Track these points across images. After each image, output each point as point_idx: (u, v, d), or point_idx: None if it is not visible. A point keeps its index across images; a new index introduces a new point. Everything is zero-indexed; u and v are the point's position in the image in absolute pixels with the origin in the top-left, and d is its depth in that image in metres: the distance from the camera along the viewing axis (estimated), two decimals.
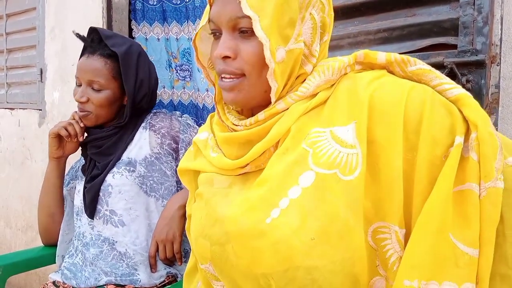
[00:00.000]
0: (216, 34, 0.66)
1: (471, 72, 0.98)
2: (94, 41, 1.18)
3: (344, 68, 0.64)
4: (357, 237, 0.56)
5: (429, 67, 0.62)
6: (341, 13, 1.17)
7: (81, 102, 1.15)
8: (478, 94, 0.96)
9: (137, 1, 1.65)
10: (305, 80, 0.66)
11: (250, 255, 0.58)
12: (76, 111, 1.21)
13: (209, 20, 0.66)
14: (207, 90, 1.57)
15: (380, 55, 0.65)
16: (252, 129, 0.66)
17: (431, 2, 1.04)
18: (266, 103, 0.66)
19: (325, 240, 0.55)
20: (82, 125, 1.20)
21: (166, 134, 1.21)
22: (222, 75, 0.65)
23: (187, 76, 1.63)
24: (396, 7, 1.09)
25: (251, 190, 0.63)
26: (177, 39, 1.63)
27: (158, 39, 1.65)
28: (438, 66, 0.98)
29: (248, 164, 0.67)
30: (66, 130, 1.18)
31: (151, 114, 1.27)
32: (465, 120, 0.57)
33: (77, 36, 1.19)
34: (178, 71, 1.65)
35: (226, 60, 0.64)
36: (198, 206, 0.73)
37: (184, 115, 1.32)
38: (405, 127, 0.56)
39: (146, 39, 1.66)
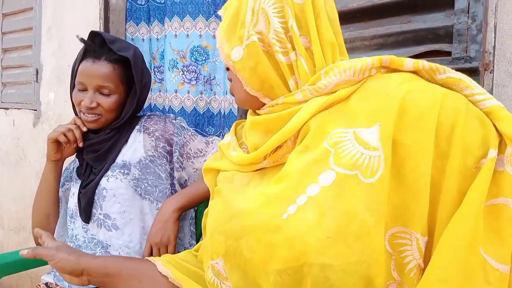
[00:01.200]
0: None
1: None
2: (97, 46, 1.17)
3: (368, 70, 0.64)
4: (374, 240, 0.55)
5: (460, 76, 0.60)
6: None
7: (91, 108, 1.14)
8: None
9: (127, 1, 1.64)
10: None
11: (264, 249, 0.58)
12: (77, 117, 1.20)
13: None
14: (176, 91, 1.57)
15: (408, 62, 0.63)
16: (271, 114, 0.69)
17: (426, 9, 1.05)
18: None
19: (341, 240, 0.55)
20: (85, 129, 1.18)
21: (160, 136, 1.21)
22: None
23: (163, 79, 1.63)
24: (391, 13, 1.10)
25: (269, 185, 0.64)
26: (157, 39, 1.62)
27: (143, 39, 1.64)
28: None
29: (265, 158, 0.69)
30: (65, 136, 1.17)
31: (145, 117, 1.27)
32: (499, 133, 0.56)
33: (81, 41, 1.17)
34: (156, 73, 1.64)
35: None
36: (215, 202, 0.74)
37: (178, 118, 1.32)
38: (437, 133, 0.55)
39: (132, 39, 1.66)
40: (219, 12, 0.78)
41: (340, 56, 0.70)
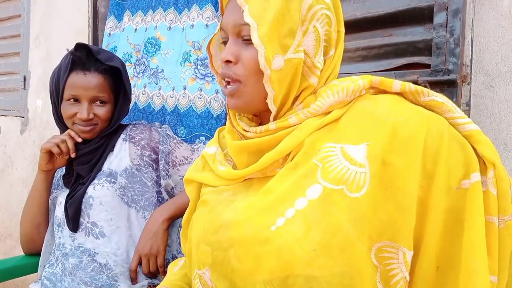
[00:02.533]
0: (225, 41, 0.71)
1: (443, 90, 1.03)
2: (83, 57, 1.17)
3: (359, 91, 0.66)
4: (357, 252, 0.57)
5: (442, 99, 0.64)
6: None
7: (89, 119, 1.16)
8: None
9: None
10: (314, 93, 0.68)
11: (252, 260, 0.60)
12: (70, 130, 1.20)
13: (221, 28, 0.71)
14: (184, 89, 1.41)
15: (396, 84, 0.66)
16: (263, 137, 0.68)
17: (406, 23, 1.09)
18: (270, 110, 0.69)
19: (326, 252, 0.57)
20: (80, 140, 1.19)
21: (146, 145, 1.23)
22: (225, 80, 0.70)
23: (142, 71, 1.52)
24: (373, 27, 1.14)
25: (256, 197, 0.65)
26: (135, 30, 1.55)
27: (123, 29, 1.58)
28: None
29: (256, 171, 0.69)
30: (59, 147, 1.18)
31: (131, 126, 1.27)
32: (478, 156, 0.60)
33: (71, 54, 1.17)
34: (136, 65, 1.54)
35: (228, 64, 0.68)
36: (201, 212, 0.74)
37: (163, 126, 1.33)
38: (423, 155, 0.58)
39: (109, 34, 1.61)
40: None
41: None
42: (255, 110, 0.72)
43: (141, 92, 1.48)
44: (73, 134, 1.19)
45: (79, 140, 1.19)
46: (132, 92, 1.44)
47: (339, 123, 0.65)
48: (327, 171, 0.60)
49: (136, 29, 1.54)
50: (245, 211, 0.63)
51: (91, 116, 1.16)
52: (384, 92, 0.68)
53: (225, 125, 0.80)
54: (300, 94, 0.69)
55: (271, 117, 0.69)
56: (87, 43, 1.58)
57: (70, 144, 1.18)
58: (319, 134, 0.65)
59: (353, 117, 0.65)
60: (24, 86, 2.27)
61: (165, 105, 1.43)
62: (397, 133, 0.60)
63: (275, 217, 0.60)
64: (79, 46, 1.17)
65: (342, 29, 0.70)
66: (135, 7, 1.56)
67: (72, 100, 1.16)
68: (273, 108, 0.67)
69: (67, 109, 1.17)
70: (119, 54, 1.55)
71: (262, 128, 0.68)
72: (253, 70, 0.66)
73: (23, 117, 2.28)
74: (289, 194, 0.61)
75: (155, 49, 1.47)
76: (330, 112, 0.66)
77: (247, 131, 0.70)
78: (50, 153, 1.20)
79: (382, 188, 0.59)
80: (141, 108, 1.48)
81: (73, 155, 1.20)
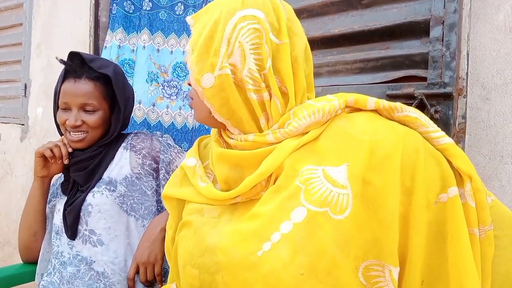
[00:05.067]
0: None
1: (439, 103, 1.04)
2: (77, 65, 1.19)
3: (334, 111, 0.67)
4: (345, 274, 0.58)
5: (415, 114, 0.66)
6: (321, 43, 1.24)
7: (77, 126, 1.16)
8: (446, 124, 1.02)
9: (118, 10, 1.63)
10: (284, 113, 0.69)
11: (240, 286, 0.60)
12: (62, 137, 1.22)
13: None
14: (153, 105, 1.54)
15: (370, 102, 0.67)
16: (243, 151, 0.70)
17: (403, 36, 1.11)
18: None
19: (314, 276, 0.57)
20: (70, 150, 1.20)
21: (147, 154, 1.23)
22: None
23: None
24: (371, 40, 1.15)
25: (242, 222, 0.65)
26: (144, 47, 1.60)
27: (119, 46, 1.62)
28: (409, 97, 1.05)
29: (238, 195, 0.70)
30: (52, 151, 1.19)
31: (132, 135, 1.28)
32: (453, 169, 0.62)
33: (61, 62, 1.20)
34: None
35: (189, 85, 0.77)
36: (186, 234, 0.74)
37: (165, 135, 1.34)
38: (401, 172, 0.60)
39: (105, 47, 1.63)
40: (187, 19, 0.75)
41: (307, 92, 0.73)
42: (213, 124, 0.75)
43: (177, 113, 1.57)
44: (66, 141, 1.21)
45: (69, 149, 1.20)
46: (167, 113, 1.55)
47: (318, 144, 0.66)
48: (310, 193, 0.61)
49: (158, 50, 1.58)
50: (231, 236, 0.64)
51: (79, 123, 1.16)
52: (359, 109, 0.69)
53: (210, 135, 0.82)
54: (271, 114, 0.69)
55: (237, 138, 0.72)
56: (88, 52, 1.60)
57: (63, 149, 1.20)
58: (298, 155, 0.66)
59: (331, 137, 0.66)
60: (25, 94, 2.28)
61: (199, 124, 1.55)
62: (374, 152, 0.61)
63: (261, 242, 0.61)
64: (72, 55, 1.19)
65: (286, 40, 0.68)
66: (154, 27, 1.59)
67: (64, 107, 1.18)
68: (224, 121, 0.71)
69: (60, 116, 1.19)
70: (141, 70, 1.58)
71: (242, 137, 0.71)
72: (194, 90, 0.73)
73: (23, 125, 2.29)
74: (274, 218, 0.62)
75: (185, 73, 1.56)
76: (307, 132, 0.67)
77: (231, 138, 0.73)
78: (44, 158, 1.21)
79: (364, 207, 0.60)
80: (178, 128, 1.57)
81: (66, 162, 1.21)
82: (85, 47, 1.79)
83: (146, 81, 1.56)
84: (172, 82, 1.56)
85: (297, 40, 0.70)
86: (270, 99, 0.69)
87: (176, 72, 1.56)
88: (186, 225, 0.75)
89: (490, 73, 1.05)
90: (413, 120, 0.65)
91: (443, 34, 1.03)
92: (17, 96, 2.35)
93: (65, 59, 1.20)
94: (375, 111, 0.68)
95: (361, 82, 1.16)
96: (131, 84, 1.50)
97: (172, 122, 1.56)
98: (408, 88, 1.06)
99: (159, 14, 1.58)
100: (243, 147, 0.71)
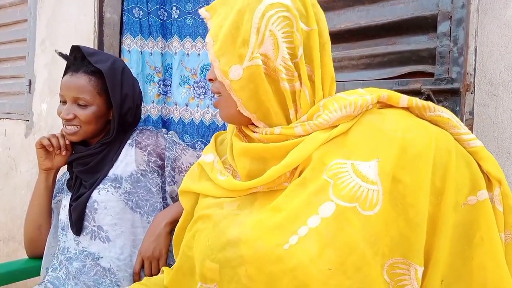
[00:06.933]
0: None
1: (446, 99, 1.03)
2: (77, 59, 1.19)
3: (366, 106, 0.66)
4: (373, 271, 0.57)
5: (448, 115, 0.65)
6: None
7: (68, 119, 1.16)
8: None
9: (123, 14, 1.67)
10: (314, 104, 0.68)
11: (266, 279, 0.59)
12: (62, 130, 1.22)
13: None
14: (175, 104, 1.62)
15: (403, 100, 0.66)
16: (268, 144, 0.68)
17: (410, 32, 1.10)
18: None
19: (342, 271, 0.57)
20: (67, 142, 1.22)
21: (152, 151, 1.23)
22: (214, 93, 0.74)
23: (169, 91, 1.66)
24: (377, 35, 1.14)
25: (265, 213, 0.64)
26: (161, 54, 1.66)
27: (141, 52, 1.67)
28: (416, 93, 1.04)
29: (261, 185, 0.68)
30: (49, 141, 1.20)
31: (137, 131, 1.28)
32: (483, 173, 0.61)
33: (60, 55, 1.20)
34: (161, 85, 1.68)
35: (211, 81, 0.74)
36: (204, 227, 0.72)
37: (170, 132, 1.34)
38: (433, 172, 0.59)
39: (129, 51, 1.68)
40: (201, 11, 0.73)
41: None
42: (240, 120, 0.73)
43: (205, 111, 1.62)
44: (64, 133, 1.22)
45: (66, 142, 1.22)
46: (197, 111, 1.61)
47: (347, 137, 0.65)
48: (339, 188, 0.60)
49: (188, 54, 1.64)
50: (255, 228, 0.62)
51: (70, 116, 1.16)
52: (390, 106, 0.68)
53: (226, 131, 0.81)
54: (300, 105, 0.68)
55: (263, 131, 0.70)
56: (93, 47, 1.60)
57: (61, 140, 1.21)
58: (327, 148, 0.65)
59: (361, 132, 0.64)
60: (29, 90, 2.29)
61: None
62: (406, 150, 0.60)
63: (288, 235, 0.59)
64: (74, 49, 1.20)
65: (315, 27, 0.67)
66: (182, 33, 1.64)
67: (61, 99, 1.19)
68: (250, 115, 0.69)
69: (58, 108, 1.20)
70: (176, 75, 1.63)
71: (268, 130, 0.69)
72: (222, 83, 0.69)
73: (28, 121, 2.30)
74: (301, 212, 0.61)
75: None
76: (337, 125, 0.65)
77: (254, 132, 0.71)
78: (45, 149, 1.22)
79: (393, 205, 0.59)
80: (207, 125, 1.62)
81: (63, 153, 1.22)
82: (89, 43, 1.79)
83: (180, 84, 1.63)
84: (200, 82, 1.63)
85: (323, 26, 0.69)
86: (300, 89, 0.67)
87: (204, 73, 1.62)
88: (202, 219, 0.74)
89: (498, 69, 1.04)
90: (445, 121, 0.64)
91: (450, 30, 1.02)
92: (22, 92, 2.35)
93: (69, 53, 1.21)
94: (407, 108, 0.67)
95: (368, 78, 1.16)
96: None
97: (201, 120, 1.64)
98: (415, 84, 1.06)
99: (186, 20, 1.63)
100: (269, 140, 0.69)
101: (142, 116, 1.64)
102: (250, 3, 0.66)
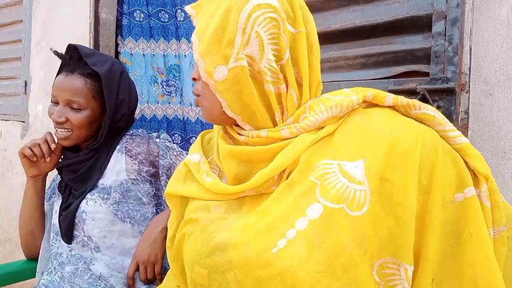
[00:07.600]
0: None
1: (442, 98, 1.03)
2: (73, 59, 1.13)
3: (352, 106, 0.66)
4: (362, 271, 0.57)
5: (433, 113, 0.65)
6: (322, 39, 1.21)
7: (59, 122, 1.10)
8: (448, 119, 1.01)
9: (124, 17, 1.68)
10: (300, 106, 0.68)
11: (254, 283, 0.59)
12: (49, 132, 1.18)
13: None
14: (191, 105, 1.62)
15: (388, 98, 0.66)
16: (255, 147, 0.67)
17: (405, 31, 1.09)
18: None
19: (331, 273, 0.56)
20: (53, 146, 1.16)
21: (144, 160, 1.17)
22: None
23: (173, 92, 1.67)
24: (372, 35, 1.14)
25: (253, 217, 0.63)
26: (164, 55, 1.67)
27: (144, 54, 1.68)
28: (411, 92, 1.04)
29: (249, 189, 0.67)
30: (31, 150, 1.14)
31: (127, 137, 1.21)
32: (469, 169, 0.61)
33: (55, 54, 1.15)
34: (165, 86, 1.68)
35: (194, 81, 0.73)
36: (192, 231, 0.71)
37: (162, 136, 1.29)
38: (420, 170, 0.59)
39: (131, 54, 1.70)
40: (186, 8, 0.71)
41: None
42: (223, 121, 0.72)
43: (178, 107, 1.67)
44: (49, 138, 1.17)
45: (53, 146, 1.16)
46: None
47: (334, 138, 0.64)
48: (326, 189, 0.60)
49: (185, 55, 1.66)
50: (243, 233, 0.62)
51: (62, 119, 1.10)
52: (376, 105, 0.68)
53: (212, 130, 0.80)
54: (286, 108, 0.67)
55: (249, 134, 0.69)
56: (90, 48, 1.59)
57: (44, 147, 1.15)
58: (313, 149, 0.64)
59: (348, 132, 0.64)
60: (25, 91, 2.28)
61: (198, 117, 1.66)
62: (394, 149, 0.60)
63: (276, 238, 0.59)
64: (71, 48, 1.14)
65: (302, 29, 0.66)
66: (190, 36, 1.67)
67: (53, 100, 1.14)
68: (236, 117, 0.68)
69: (49, 109, 1.15)
70: (189, 77, 1.64)
71: (254, 133, 0.68)
72: (206, 83, 0.68)
73: (24, 122, 2.29)
74: (288, 214, 0.60)
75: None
76: (324, 127, 0.65)
77: (240, 134, 0.70)
78: (28, 157, 1.17)
79: (381, 204, 0.59)
80: (192, 121, 1.66)
81: (47, 160, 1.16)
82: (85, 44, 1.78)
83: (192, 85, 1.66)
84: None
85: (311, 29, 0.68)
86: (287, 91, 0.67)
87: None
88: (190, 223, 0.72)
89: (493, 68, 1.04)
90: (431, 118, 0.64)
91: (445, 29, 1.02)
92: (17, 93, 2.34)
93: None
94: (392, 107, 0.67)
95: (363, 77, 1.15)
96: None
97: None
98: (410, 84, 1.05)
99: (193, 23, 1.66)
100: (255, 143, 0.68)
101: (147, 117, 1.65)
102: (237, 2, 0.65)
